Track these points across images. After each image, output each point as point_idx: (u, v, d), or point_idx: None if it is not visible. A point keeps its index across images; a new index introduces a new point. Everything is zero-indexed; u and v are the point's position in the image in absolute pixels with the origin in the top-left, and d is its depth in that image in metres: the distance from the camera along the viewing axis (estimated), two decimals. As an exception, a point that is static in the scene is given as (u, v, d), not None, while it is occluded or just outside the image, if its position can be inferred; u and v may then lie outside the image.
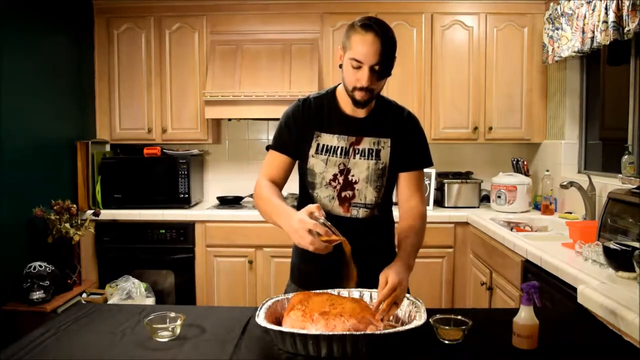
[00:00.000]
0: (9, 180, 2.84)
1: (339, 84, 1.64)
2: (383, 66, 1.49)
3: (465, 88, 3.66)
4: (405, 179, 1.66)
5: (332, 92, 1.67)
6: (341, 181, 1.62)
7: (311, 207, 1.36)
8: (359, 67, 1.49)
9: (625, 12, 2.43)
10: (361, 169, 1.61)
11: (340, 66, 1.56)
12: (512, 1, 3.61)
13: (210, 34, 3.69)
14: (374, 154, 1.61)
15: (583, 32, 2.86)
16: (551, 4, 3.34)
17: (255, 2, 3.67)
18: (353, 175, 1.62)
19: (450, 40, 3.65)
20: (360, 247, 1.47)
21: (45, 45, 3.24)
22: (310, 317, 1.26)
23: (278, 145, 1.67)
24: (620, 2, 2.46)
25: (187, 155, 3.64)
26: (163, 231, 3.47)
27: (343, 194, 1.63)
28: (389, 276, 1.39)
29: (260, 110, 3.47)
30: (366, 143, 1.61)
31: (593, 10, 2.74)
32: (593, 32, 2.74)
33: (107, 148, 3.79)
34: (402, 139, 1.64)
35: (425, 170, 3.75)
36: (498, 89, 3.65)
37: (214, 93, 3.48)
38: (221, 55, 3.63)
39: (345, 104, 1.62)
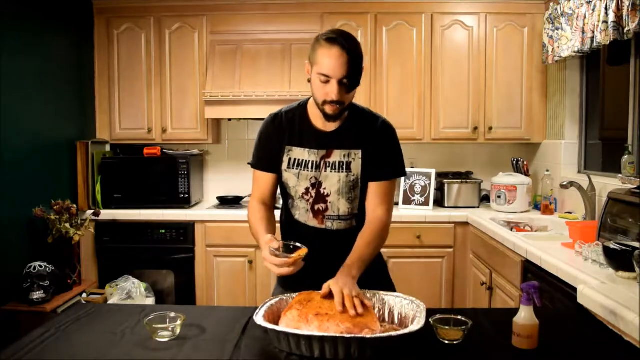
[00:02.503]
0: (9, 180, 2.84)
1: (311, 97, 1.64)
2: (351, 79, 1.49)
3: (465, 88, 3.66)
4: (373, 189, 1.63)
5: (304, 106, 1.67)
6: (313, 194, 1.64)
7: (267, 239, 1.44)
8: (327, 82, 1.49)
9: (625, 12, 2.43)
10: (332, 182, 1.62)
11: (309, 80, 1.57)
12: (512, 1, 3.61)
13: (210, 34, 3.69)
14: (344, 166, 1.61)
15: (583, 32, 2.86)
16: (551, 4, 3.34)
17: (255, 2, 3.67)
18: (325, 189, 1.62)
19: (450, 40, 3.65)
20: (332, 259, 1.50)
21: (45, 45, 3.24)
22: (305, 318, 1.26)
23: (257, 163, 1.71)
24: (620, 2, 2.46)
25: (187, 155, 3.64)
26: (163, 231, 3.47)
27: (316, 206, 1.65)
28: (331, 286, 1.35)
29: (260, 110, 3.47)
30: (336, 156, 1.61)
31: (593, 10, 2.74)
32: (593, 32, 2.74)
33: (107, 148, 3.79)
34: (374, 149, 1.62)
35: (425, 170, 3.79)
36: (498, 89, 3.65)
37: (214, 93, 3.48)
38: (221, 55, 3.64)
39: (316, 118, 1.62)
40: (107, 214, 3.44)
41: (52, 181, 3.29)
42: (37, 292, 2.75)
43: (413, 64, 3.65)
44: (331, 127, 1.61)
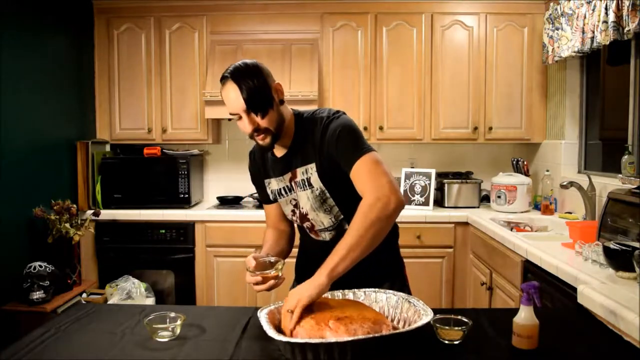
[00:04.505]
0: (9, 180, 2.84)
1: None
2: (253, 106, 1.45)
3: (465, 88, 3.66)
4: (353, 179, 1.48)
5: None
6: (298, 215, 1.67)
7: (246, 259, 1.48)
8: (239, 118, 1.49)
9: (625, 12, 2.43)
10: (304, 201, 1.62)
11: None
12: (512, 1, 3.61)
13: (210, 34, 3.69)
14: (306, 183, 1.59)
15: (583, 32, 2.86)
16: (551, 4, 3.34)
17: (255, 2, 3.67)
18: (302, 208, 1.64)
19: (450, 40, 3.65)
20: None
21: (45, 45, 3.24)
22: (327, 325, 1.22)
23: (260, 196, 1.82)
24: (620, 2, 2.46)
25: (187, 155, 3.64)
26: (163, 231, 3.47)
27: (304, 224, 1.69)
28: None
29: (260, 110, 3.47)
30: (299, 175, 1.60)
31: (593, 10, 2.74)
32: (593, 32, 2.74)
33: (107, 148, 3.79)
34: (328, 152, 1.52)
35: (425, 170, 3.78)
36: (498, 89, 3.65)
37: (214, 93, 3.48)
38: (221, 55, 3.63)
39: (275, 147, 1.61)
40: (107, 214, 3.44)
41: (52, 181, 3.29)
42: (37, 292, 2.74)
43: (413, 63, 3.65)
44: (282, 151, 1.61)
